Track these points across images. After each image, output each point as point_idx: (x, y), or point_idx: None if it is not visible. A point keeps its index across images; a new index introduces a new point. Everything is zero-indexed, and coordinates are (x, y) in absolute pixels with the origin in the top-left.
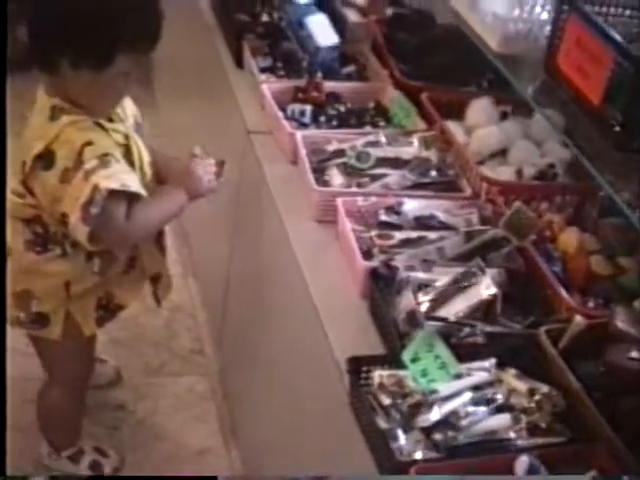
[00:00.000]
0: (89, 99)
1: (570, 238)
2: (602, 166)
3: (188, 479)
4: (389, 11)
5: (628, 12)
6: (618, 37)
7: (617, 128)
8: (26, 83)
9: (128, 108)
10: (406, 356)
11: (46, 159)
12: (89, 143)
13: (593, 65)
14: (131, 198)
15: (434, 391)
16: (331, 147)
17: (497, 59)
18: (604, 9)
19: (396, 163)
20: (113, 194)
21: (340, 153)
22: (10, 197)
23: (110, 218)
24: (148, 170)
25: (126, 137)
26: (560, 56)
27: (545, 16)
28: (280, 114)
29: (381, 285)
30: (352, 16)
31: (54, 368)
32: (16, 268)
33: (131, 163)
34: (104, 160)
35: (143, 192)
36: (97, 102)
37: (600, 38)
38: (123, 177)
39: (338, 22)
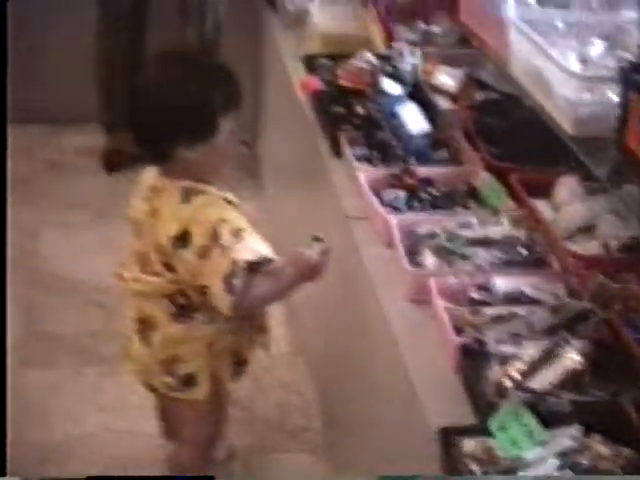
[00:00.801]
0: (211, 167)
1: None
2: None
3: (188, 479)
4: (479, 96)
5: None
6: None
7: None
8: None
9: None
10: (494, 425)
11: (183, 239)
12: (223, 220)
13: None
14: (264, 264)
15: (521, 458)
16: (424, 230)
17: (572, 141)
18: None
19: (486, 243)
20: (250, 265)
21: (433, 235)
22: (151, 279)
23: (250, 287)
24: None
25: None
26: (629, 136)
27: (615, 98)
28: (375, 200)
29: (472, 359)
30: (443, 103)
31: (190, 430)
32: (162, 339)
33: None
34: (238, 235)
35: (275, 257)
36: (218, 166)
37: None
38: (257, 248)
39: (429, 110)
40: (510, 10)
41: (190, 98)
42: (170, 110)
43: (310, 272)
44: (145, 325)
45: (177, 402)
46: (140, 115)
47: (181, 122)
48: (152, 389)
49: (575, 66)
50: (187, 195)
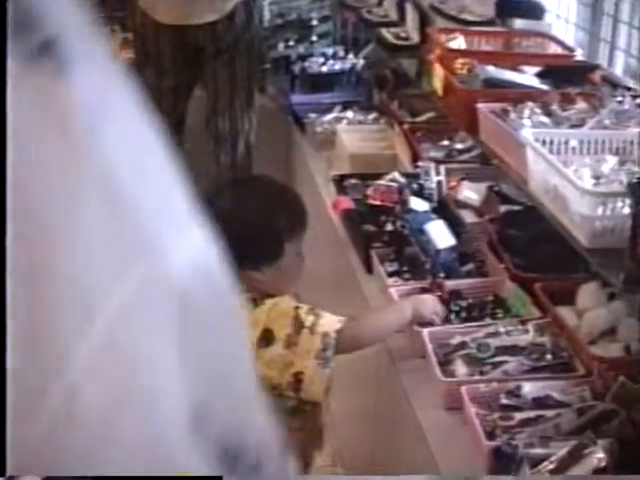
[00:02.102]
0: (273, 289)
1: None
2: None
3: (190, 479)
4: (501, 209)
5: None
6: None
7: None
8: None
9: None
10: None
11: (266, 338)
12: (297, 307)
13: None
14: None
15: None
16: (454, 340)
17: (588, 253)
18: None
19: (514, 350)
20: (338, 332)
21: (463, 345)
22: None
23: (346, 350)
24: None
25: None
26: None
27: (626, 211)
28: None
29: (504, 462)
30: (468, 217)
31: None
32: None
33: None
34: (316, 313)
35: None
36: (281, 287)
37: None
38: (335, 317)
39: (455, 224)
40: (527, 132)
41: (259, 224)
42: (239, 236)
43: (430, 312)
44: None
45: None
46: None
47: (249, 247)
48: None
49: (589, 183)
50: (256, 301)
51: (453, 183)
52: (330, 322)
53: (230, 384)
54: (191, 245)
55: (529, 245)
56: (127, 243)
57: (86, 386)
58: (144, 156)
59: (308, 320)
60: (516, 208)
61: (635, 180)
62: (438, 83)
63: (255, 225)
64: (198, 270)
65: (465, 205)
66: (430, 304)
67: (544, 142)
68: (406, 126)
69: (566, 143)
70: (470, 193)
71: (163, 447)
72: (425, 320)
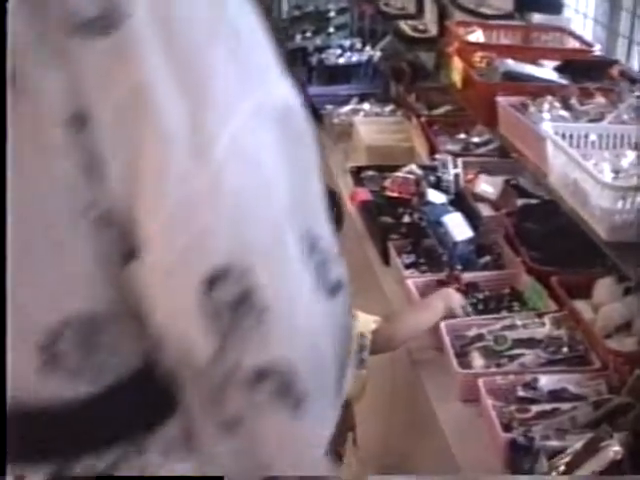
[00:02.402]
0: None
1: None
2: None
3: (193, 479)
4: (518, 202)
5: None
6: None
7: None
8: None
9: None
10: None
11: None
12: None
13: None
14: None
15: None
16: (471, 332)
17: (606, 246)
18: None
19: (530, 343)
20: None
21: (480, 337)
22: None
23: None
24: None
25: None
26: None
27: None
28: None
29: (521, 454)
30: (485, 210)
31: None
32: None
33: None
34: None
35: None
36: None
37: None
38: (370, 318)
39: (472, 217)
40: (547, 125)
41: None
42: None
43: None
44: None
45: None
46: None
47: None
48: None
49: (608, 177)
50: None
51: (470, 176)
52: (365, 322)
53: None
54: (286, 87)
55: (546, 239)
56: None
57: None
58: (256, 24)
59: None
60: (533, 202)
61: None
62: (457, 76)
63: None
64: (291, 106)
65: (482, 198)
66: (457, 297)
67: (564, 136)
68: (423, 119)
69: (586, 137)
70: (487, 186)
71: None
72: (456, 314)
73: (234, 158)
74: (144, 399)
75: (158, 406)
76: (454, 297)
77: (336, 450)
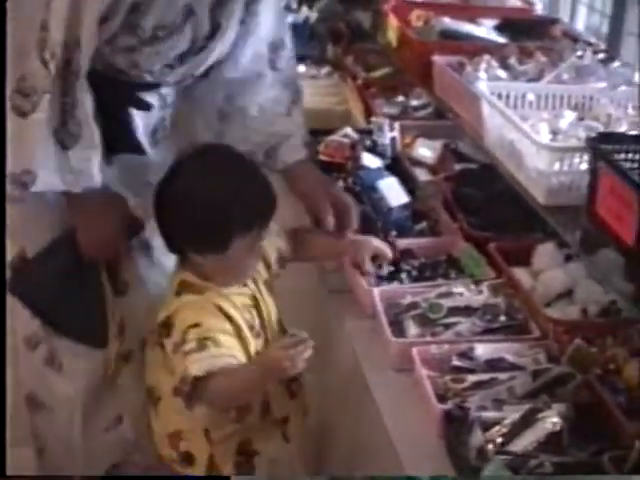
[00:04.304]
0: (217, 275)
1: (633, 369)
2: None
3: (197, 479)
4: (457, 167)
5: None
6: None
7: None
8: None
9: (270, 247)
10: None
11: (167, 328)
12: (196, 325)
13: (626, 211)
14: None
15: None
16: (406, 300)
17: (544, 211)
18: (637, 156)
19: (467, 311)
20: (195, 379)
21: (414, 305)
22: (156, 351)
23: (200, 394)
24: (275, 325)
25: (254, 297)
26: (599, 204)
27: (584, 167)
28: (357, 273)
29: (456, 425)
30: (422, 175)
31: None
32: (168, 412)
33: (261, 319)
34: (202, 344)
35: (230, 368)
36: (225, 276)
37: (629, 186)
38: (213, 361)
39: (408, 182)
40: (482, 85)
41: (206, 210)
42: (186, 218)
43: (278, 370)
44: (153, 395)
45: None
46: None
47: (193, 230)
48: (160, 457)
49: (546, 138)
50: (181, 289)
51: (408, 140)
52: (202, 363)
53: None
54: None
55: (484, 204)
56: None
57: None
58: None
59: (189, 344)
60: (472, 166)
61: (593, 135)
62: (392, 35)
63: (203, 210)
64: None
65: (419, 163)
66: (282, 359)
67: (500, 96)
68: (360, 81)
69: (523, 97)
70: (425, 150)
71: None
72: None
73: None
74: None
75: None
76: (266, 356)
77: (249, 444)
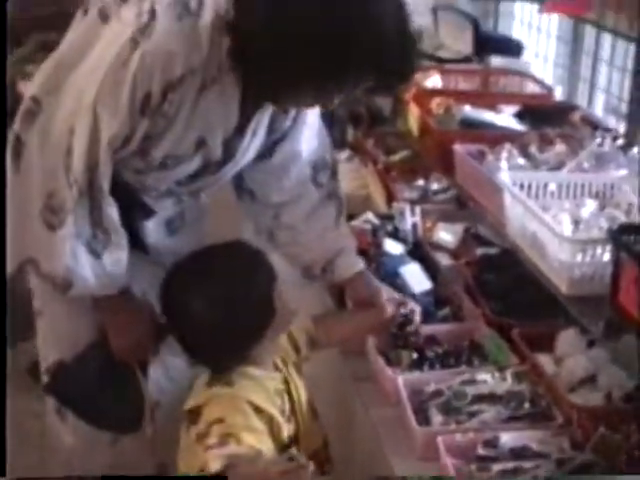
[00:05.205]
0: None
1: None
2: None
3: (196, 479)
4: (478, 251)
5: None
6: None
7: None
8: None
9: (298, 330)
10: None
11: (194, 416)
12: (221, 420)
13: None
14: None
15: None
16: (430, 388)
17: (567, 300)
18: None
19: (491, 399)
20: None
21: (439, 393)
22: None
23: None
24: (305, 408)
25: (285, 381)
26: (622, 293)
27: (607, 258)
28: (381, 360)
29: None
30: (443, 260)
31: None
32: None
33: (292, 402)
34: (224, 440)
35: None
36: None
37: None
38: (231, 456)
39: (431, 267)
40: (504, 175)
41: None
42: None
43: None
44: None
45: None
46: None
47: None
48: None
49: (568, 228)
50: (213, 379)
51: (428, 224)
52: (221, 459)
53: None
54: None
55: (506, 289)
56: None
57: None
58: None
59: (211, 439)
60: (493, 251)
61: (616, 227)
62: (414, 123)
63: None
64: None
65: (441, 247)
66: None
67: (522, 186)
68: (380, 165)
69: (545, 187)
70: (446, 235)
71: None
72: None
73: None
74: None
75: None
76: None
77: None
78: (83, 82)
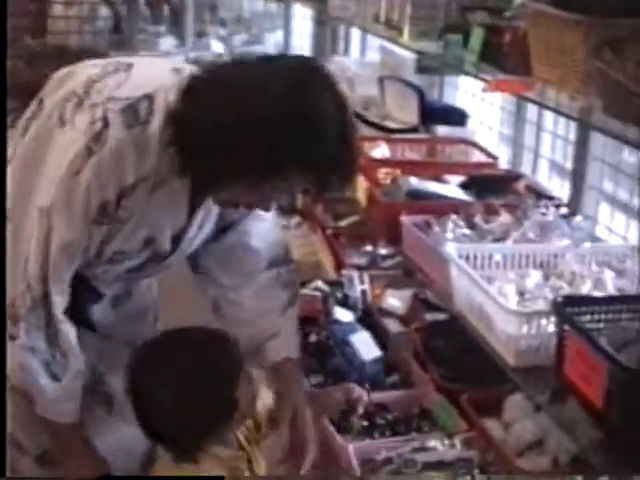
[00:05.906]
0: None
1: None
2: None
3: (194, 479)
4: (428, 317)
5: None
6: (609, 349)
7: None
8: None
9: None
10: None
11: None
12: None
13: (592, 374)
14: None
15: None
16: (380, 456)
17: (513, 372)
18: (602, 316)
19: (441, 466)
20: None
21: (389, 461)
22: None
23: None
24: None
25: (248, 460)
26: (566, 364)
27: (552, 329)
28: (332, 428)
29: None
30: (393, 326)
31: None
32: None
33: None
34: None
35: None
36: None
37: (594, 350)
38: None
39: (380, 334)
40: (450, 247)
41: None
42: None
43: None
44: None
45: None
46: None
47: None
48: None
49: (513, 300)
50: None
51: (377, 291)
52: None
53: None
54: None
55: (455, 355)
56: None
57: None
58: None
59: None
60: (441, 317)
61: (559, 299)
62: (362, 195)
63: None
64: None
65: (390, 313)
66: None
67: (467, 257)
68: (329, 231)
69: (490, 257)
70: (395, 301)
71: None
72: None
73: None
74: None
75: None
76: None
77: None
78: (43, 189)
